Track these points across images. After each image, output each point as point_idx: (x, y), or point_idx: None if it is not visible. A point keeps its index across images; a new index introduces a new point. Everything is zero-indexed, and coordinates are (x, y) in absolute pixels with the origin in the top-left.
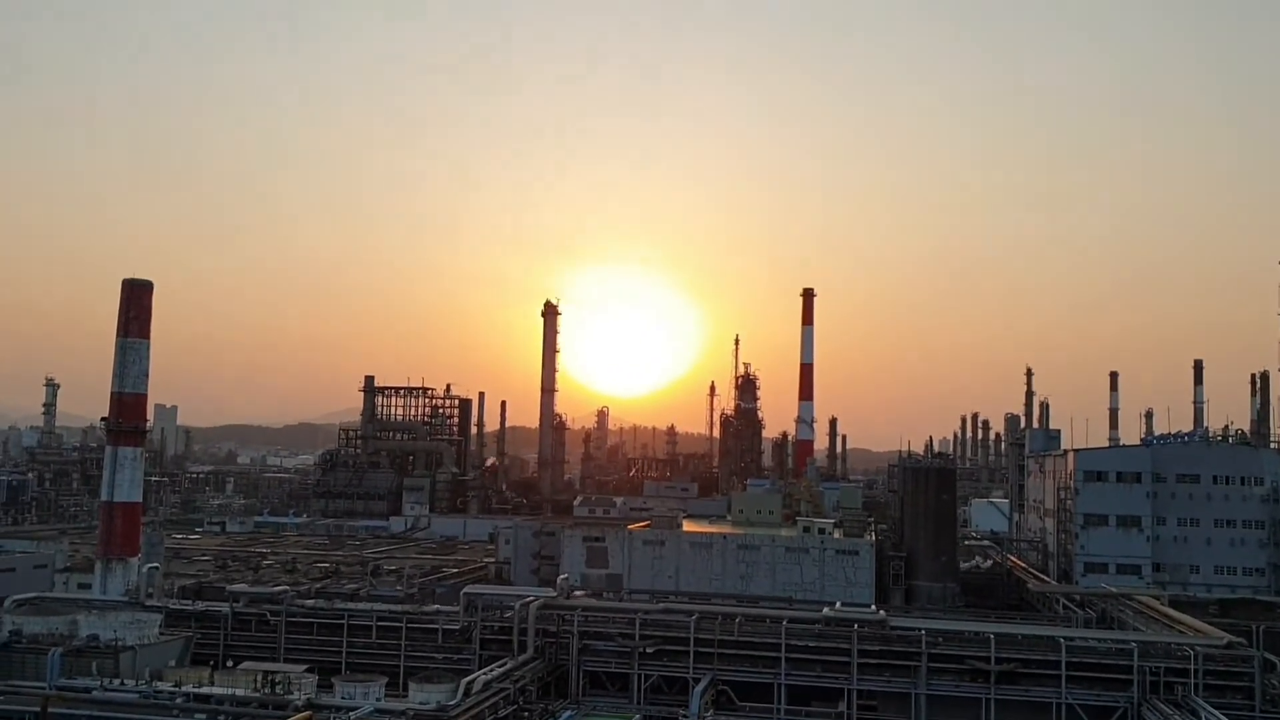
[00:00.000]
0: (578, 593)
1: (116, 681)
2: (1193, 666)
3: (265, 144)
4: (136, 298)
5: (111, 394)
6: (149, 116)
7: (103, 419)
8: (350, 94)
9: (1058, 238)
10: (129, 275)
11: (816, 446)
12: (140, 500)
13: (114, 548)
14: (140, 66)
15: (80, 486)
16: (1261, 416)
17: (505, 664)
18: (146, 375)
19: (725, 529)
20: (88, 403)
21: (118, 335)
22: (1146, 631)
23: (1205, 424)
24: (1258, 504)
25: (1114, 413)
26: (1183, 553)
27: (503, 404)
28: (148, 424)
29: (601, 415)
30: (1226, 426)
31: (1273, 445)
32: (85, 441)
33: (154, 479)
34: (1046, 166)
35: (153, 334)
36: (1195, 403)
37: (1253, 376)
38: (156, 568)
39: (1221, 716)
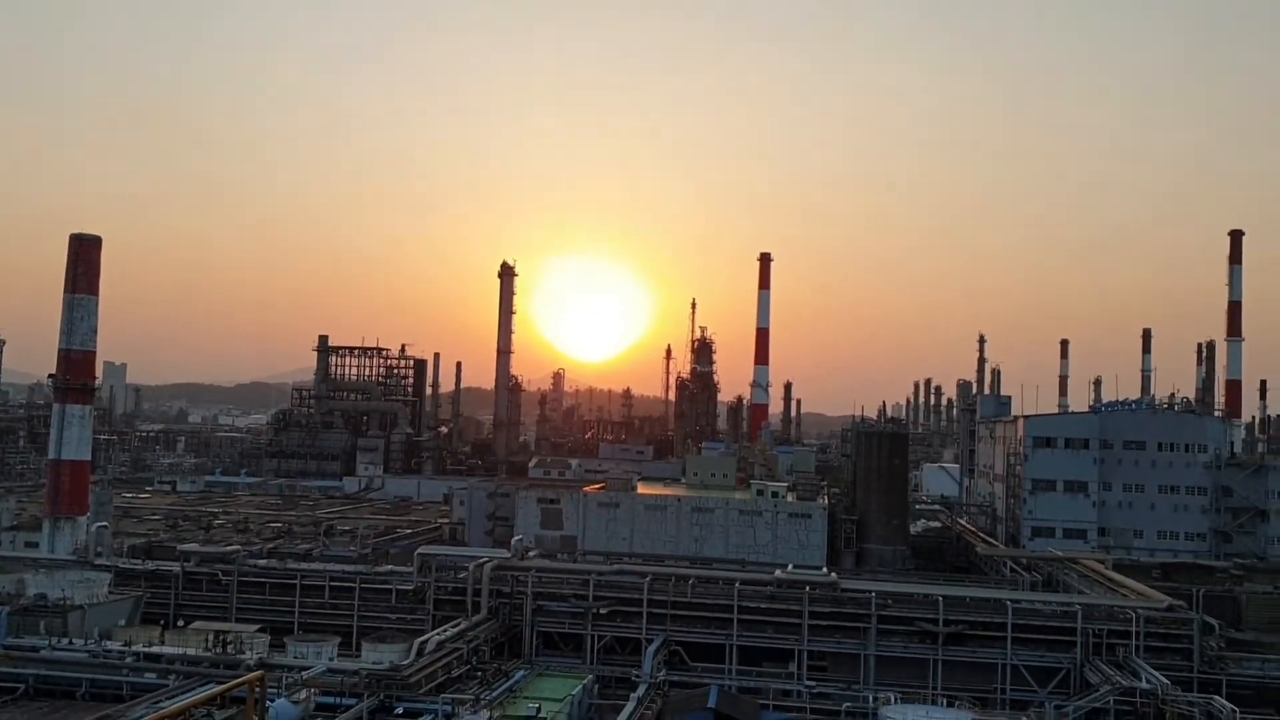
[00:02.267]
0: (532, 554)
1: (65, 641)
2: (1134, 629)
3: (217, 99)
4: (85, 253)
5: (59, 351)
6: (96, 69)
7: (50, 376)
8: (306, 49)
9: (1011, 205)
10: (77, 230)
11: (771, 411)
12: (89, 458)
13: (62, 506)
14: (89, 17)
15: (27, 444)
16: (1206, 385)
17: (459, 624)
18: (95, 332)
19: (680, 492)
20: (35, 359)
21: (65, 291)
22: (1090, 594)
23: (1152, 392)
24: (1201, 470)
25: (1064, 380)
26: (1128, 518)
27: (458, 365)
28: (96, 381)
29: (557, 377)
30: (1173, 394)
31: (1217, 413)
32: (32, 399)
33: (103, 437)
34: (1000, 135)
35: (101, 290)
36: (1143, 371)
37: (1199, 346)
38: (105, 526)
39: (1161, 677)
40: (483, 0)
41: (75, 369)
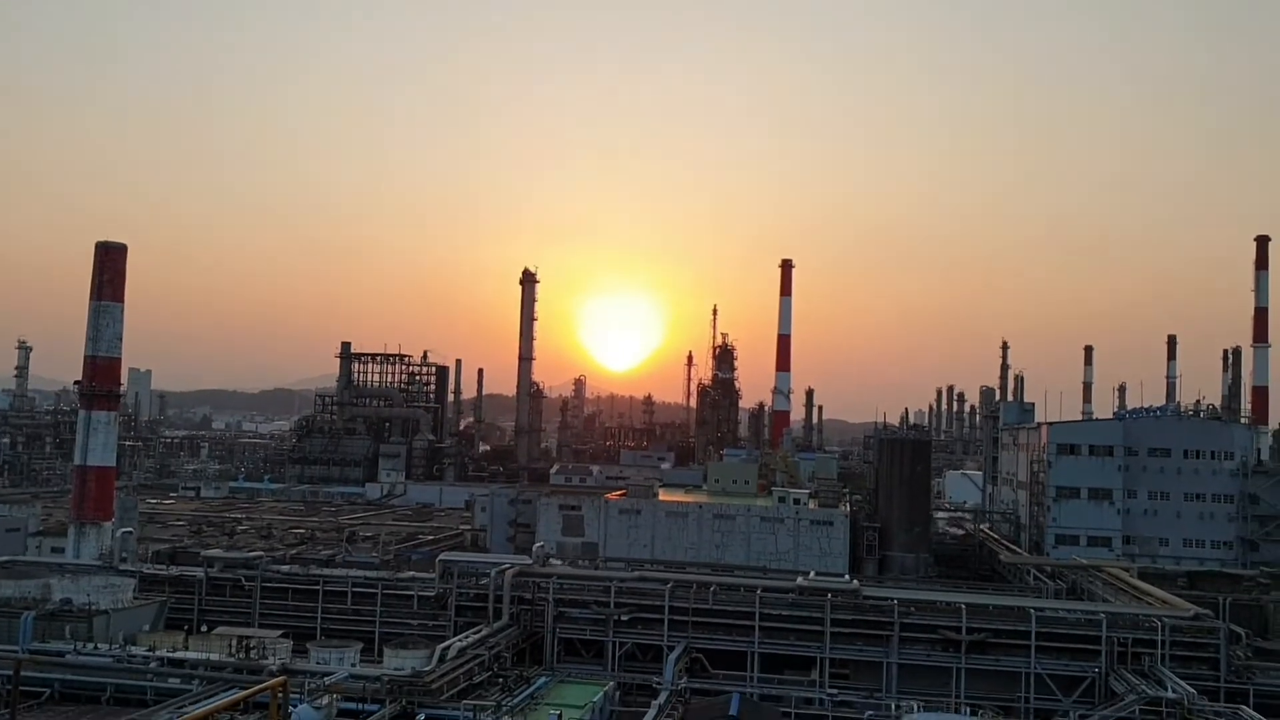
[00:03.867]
0: (553, 561)
1: (90, 645)
2: (1160, 637)
3: (240, 103)
4: (110, 261)
5: (85, 357)
6: (124, 77)
7: (76, 382)
8: (329, 55)
9: (1034, 212)
10: (103, 238)
11: (793, 417)
12: (114, 464)
13: (87, 511)
14: (118, 24)
15: (53, 450)
16: (1233, 392)
17: (480, 631)
18: (120, 339)
19: (701, 498)
20: (61, 366)
21: (91, 298)
22: (1115, 603)
23: (1177, 399)
24: (1227, 478)
25: (1088, 387)
26: (1153, 525)
27: (480, 371)
28: (121, 388)
29: (579, 384)
30: (1198, 401)
31: (1243, 420)
32: (58, 405)
33: (128, 443)
34: (1022, 139)
35: (127, 297)
36: (1168, 377)
37: (1225, 352)
38: (130, 532)
39: (1187, 686)
40: (504, 8)
41: (101, 375)
